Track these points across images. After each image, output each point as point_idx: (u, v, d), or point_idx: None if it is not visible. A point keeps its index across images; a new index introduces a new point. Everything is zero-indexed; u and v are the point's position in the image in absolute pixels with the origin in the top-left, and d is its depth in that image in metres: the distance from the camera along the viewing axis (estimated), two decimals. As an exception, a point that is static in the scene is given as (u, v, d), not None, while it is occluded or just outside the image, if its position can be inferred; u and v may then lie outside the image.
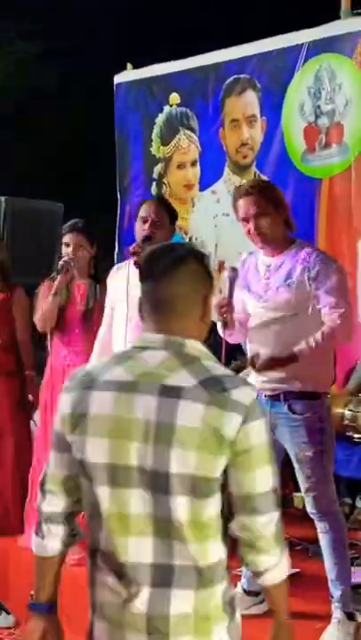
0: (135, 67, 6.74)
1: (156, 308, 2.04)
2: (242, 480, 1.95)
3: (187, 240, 6.21)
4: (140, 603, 1.93)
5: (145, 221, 4.16)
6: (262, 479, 1.96)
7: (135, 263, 3.97)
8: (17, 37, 13.78)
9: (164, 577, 1.93)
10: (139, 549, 1.94)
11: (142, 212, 4.20)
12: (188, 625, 1.93)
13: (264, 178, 3.88)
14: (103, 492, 1.96)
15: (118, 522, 1.95)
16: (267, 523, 1.97)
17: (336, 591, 3.58)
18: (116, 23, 13.57)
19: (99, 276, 4.80)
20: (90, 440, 1.97)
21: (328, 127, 5.30)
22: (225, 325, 3.63)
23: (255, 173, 5.78)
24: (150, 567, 1.93)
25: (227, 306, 3.62)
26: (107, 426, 1.95)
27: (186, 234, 6.22)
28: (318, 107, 5.34)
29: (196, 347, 2.03)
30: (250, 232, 3.67)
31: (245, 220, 3.67)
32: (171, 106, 6.42)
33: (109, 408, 1.96)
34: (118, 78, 6.81)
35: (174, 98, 6.40)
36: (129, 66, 6.79)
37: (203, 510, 1.93)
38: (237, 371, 5.19)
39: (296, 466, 3.67)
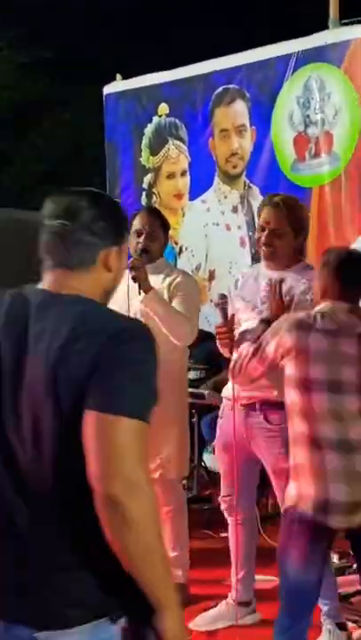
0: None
1: (347, 295, 3.11)
2: None
3: (177, 249, 6.21)
4: (339, 464, 2.92)
5: (140, 234, 4.11)
6: None
7: (133, 278, 3.87)
8: (17, 39, 13.76)
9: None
10: (342, 430, 2.95)
11: (136, 225, 4.14)
12: None
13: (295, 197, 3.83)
14: (321, 397, 2.97)
15: (330, 415, 2.96)
16: None
17: (324, 607, 3.57)
18: (116, 24, 13.58)
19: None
20: (311, 365, 2.98)
21: (318, 136, 5.32)
22: (230, 351, 3.58)
23: (245, 183, 5.79)
24: (347, 441, 2.96)
25: (225, 333, 3.60)
26: (323, 356, 2.98)
27: (176, 243, 6.21)
28: (308, 116, 5.36)
29: None
30: (260, 240, 3.67)
31: (262, 228, 3.67)
32: (160, 116, 6.42)
33: (324, 345, 2.99)
34: (108, 89, 6.81)
35: (163, 108, 6.40)
36: (118, 76, 6.79)
37: None
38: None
39: (272, 478, 3.64)
